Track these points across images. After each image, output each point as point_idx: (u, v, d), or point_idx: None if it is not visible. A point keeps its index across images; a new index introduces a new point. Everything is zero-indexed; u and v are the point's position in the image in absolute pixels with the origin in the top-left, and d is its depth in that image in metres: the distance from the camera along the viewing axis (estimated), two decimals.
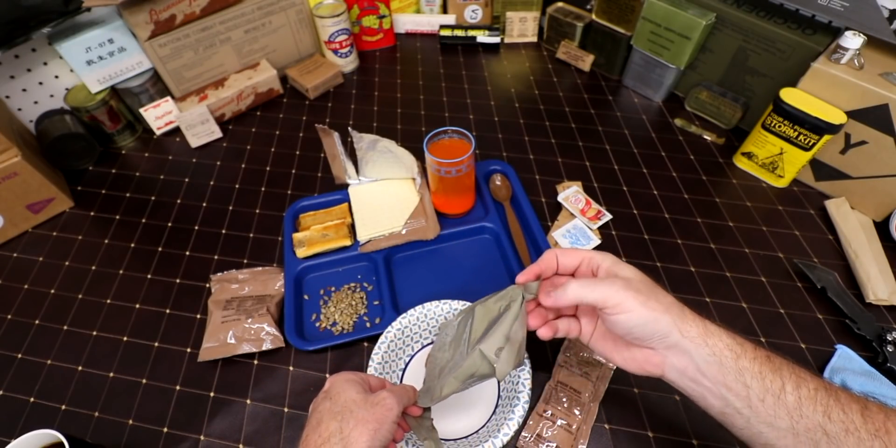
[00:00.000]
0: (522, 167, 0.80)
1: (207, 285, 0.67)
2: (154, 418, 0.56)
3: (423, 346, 0.59)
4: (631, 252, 0.69)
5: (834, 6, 0.65)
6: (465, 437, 0.52)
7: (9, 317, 0.65)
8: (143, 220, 0.75)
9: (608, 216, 0.72)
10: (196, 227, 0.74)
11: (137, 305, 0.66)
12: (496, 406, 0.54)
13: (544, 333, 0.43)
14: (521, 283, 0.43)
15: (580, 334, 0.44)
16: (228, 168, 0.82)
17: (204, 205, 0.77)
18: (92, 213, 0.76)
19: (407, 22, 1.06)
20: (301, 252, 0.66)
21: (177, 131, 0.86)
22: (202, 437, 0.55)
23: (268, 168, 0.81)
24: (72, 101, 0.80)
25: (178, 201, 0.77)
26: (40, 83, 0.79)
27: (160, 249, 0.71)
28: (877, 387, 0.53)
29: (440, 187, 0.68)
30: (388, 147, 0.69)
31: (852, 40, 0.62)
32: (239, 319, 0.60)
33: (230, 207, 0.76)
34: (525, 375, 0.52)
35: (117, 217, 0.76)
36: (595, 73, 0.97)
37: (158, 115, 0.84)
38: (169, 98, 0.83)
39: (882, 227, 0.70)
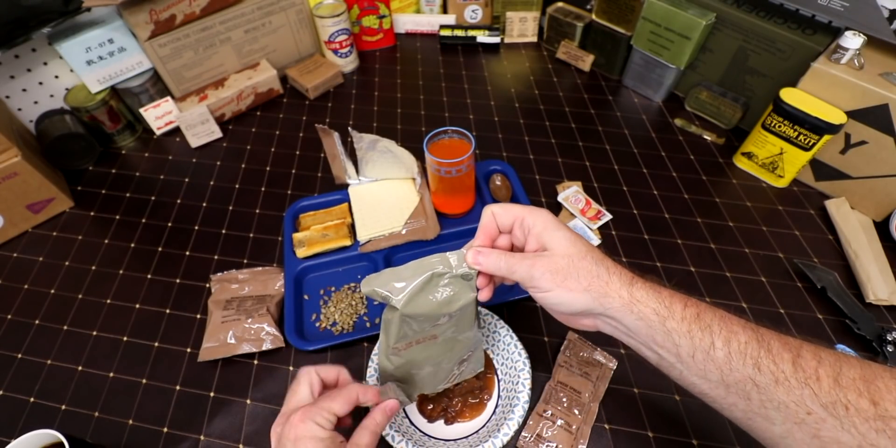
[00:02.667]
0: (522, 167, 0.80)
1: (207, 285, 0.67)
2: (154, 418, 0.56)
3: None
4: (631, 252, 0.69)
5: (834, 6, 0.65)
6: (466, 437, 0.52)
7: (9, 317, 0.65)
8: (143, 220, 0.75)
9: (608, 216, 0.72)
10: (196, 227, 0.74)
11: (137, 305, 0.66)
12: (496, 406, 0.54)
13: (485, 296, 0.43)
14: (472, 264, 0.41)
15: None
16: (228, 168, 0.82)
17: (204, 205, 0.77)
18: (92, 213, 0.76)
19: (407, 22, 1.06)
20: (301, 252, 0.66)
21: (177, 131, 0.86)
22: (202, 437, 0.55)
23: (268, 168, 0.81)
24: (72, 101, 0.80)
25: (178, 201, 0.77)
26: (40, 83, 0.79)
27: (160, 249, 0.71)
28: None
29: (440, 187, 0.68)
30: (388, 147, 0.69)
31: (852, 40, 0.62)
32: (239, 319, 0.60)
33: (230, 207, 0.76)
34: (525, 376, 0.52)
35: (117, 217, 0.76)
36: (595, 73, 0.97)
37: (158, 115, 0.84)
38: (169, 98, 0.83)
39: (882, 227, 0.70)
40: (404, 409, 0.55)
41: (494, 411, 0.54)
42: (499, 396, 0.55)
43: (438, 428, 0.53)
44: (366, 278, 0.41)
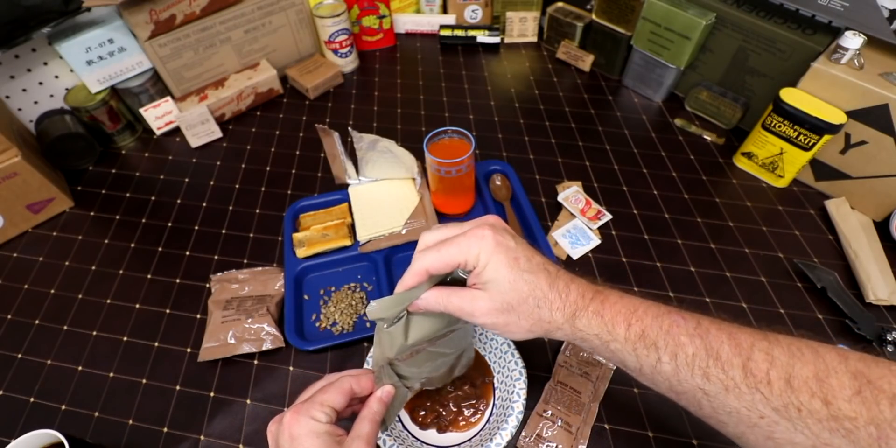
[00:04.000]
0: (522, 167, 0.80)
1: (207, 285, 0.67)
2: (154, 418, 0.56)
3: None
4: (631, 252, 0.69)
5: (834, 6, 0.65)
6: (458, 444, 0.52)
7: (9, 317, 0.65)
8: (143, 220, 0.75)
9: (608, 216, 0.72)
10: (196, 227, 0.74)
11: (137, 305, 0.66)
12: (490, 414, 0.54)
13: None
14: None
15: None
16: (228, 168, 0.82)
17: (204, 205, 0.77)
18: (92, 213, 0.76)
19: (407, 22, 1.06)
20: (301, 252, 0.66)
21: (177, 131, 0.86)
22: (202, 437, 0.55)
23: (268, 168, 0.81)
24: (72, 101, 0.80)
25: (178, 201, 0.77)
26: (40, 83, 0.79)
27: (160, 249, 0.71)
28: None
29: (440, 187, 0.68)
30: (388, 147, 0.69)
31: (852, 40, 0.62)
32: (239, 319, 0.60)
33: (230, 207, 0.76)
34: (521, 385, 0.52)
35: (117, 217, 0.76)
36: (595, 73, 0.97)
37: (158, 115, 0.84)
38: (169, 98, 0.83)
39: (882, 227, 0.70)
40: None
41: (488, 420, 0.53)
42: (493, 405, 0.54)
43: (431, 435, 0.53)
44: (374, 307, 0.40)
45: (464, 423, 0.53)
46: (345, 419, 0.42)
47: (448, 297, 0.38)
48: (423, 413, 0.54)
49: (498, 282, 0.36)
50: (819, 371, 0.31)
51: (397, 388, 0.44)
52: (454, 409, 0.54)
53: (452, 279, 0.40)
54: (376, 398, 0.42)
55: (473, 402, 0.54)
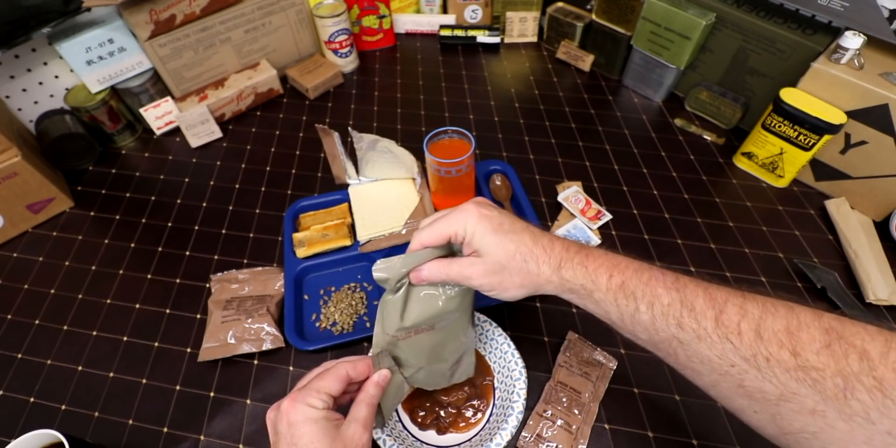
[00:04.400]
0: (522, 167, 0.80)
1: (207, 285, 0.67)
2: (154, 418, 0.56)
3: None
4: (631, 252, 0.68)
5: (834, 6, 0.65)
6: (458, 444, 0.52)
7: (9, 317, 0.65)
8: (143, 220, 0.75)
9: (608, 216, 0.72)
10: (196, 227, 0.74)
11: (137, 305, 0.66)
12: (490, 414, 0.54)
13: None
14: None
15: None
16: (228, 168, 0.82)
17: (204, 205, 0.77)
18: (92, 213, 0.76)
19: (407, 22, 1.06)
20: (301, 252, 0.66)
21: (177, 131, 0.86)
22: (202, 437, 0.55)
23: (268, 168, 0.81)
24: (72, 101, 0.80)
25: (178, 201, 0.77)
26: (40, 83, 0.79)
27: (160, 249, 0.71)
28: None
29: (440, 187, 0.68)
30: (388, 147, 0.69)
31: (852, 40, 0.62)
32: (239, 319, 0.60)
33: (230, 207, 0.76)
34: (521, 385, 0.52)
35: (117, 217, 0.76)
36: (595, 73, 0.97)
37: (158, 115, 0.84)
38: (169, 98, 0.83)
39: (882, 227, 0.70)
40: (397, 413, 0.54)
41: (488, 420, 0.53)
42: (493, 405, 0.54)
43: (431, 435, 0.53)
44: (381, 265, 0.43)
45: (464, 424, 0.53)
46: (344, 405, 0.42)
47: (448, 266, 0.41)
48: (422, 413, 0.54)
49: (487, 245, 0.40)
50: (790, 325, 0.32)
51: (394, 373, 0.45)
52: (453, 411, 0.54)
53: (451, 254, 0.44)
54: (373, 382, 0.43)
55: (474, 403, 0.54)
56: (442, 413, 0.53)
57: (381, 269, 0.42)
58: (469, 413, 0.54)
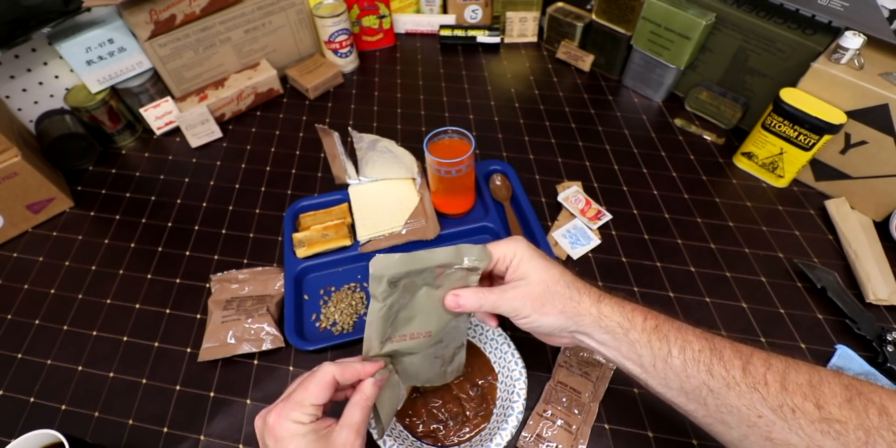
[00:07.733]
0: (522, 167, 0.80)
1: (207, 285, 0.67)
2: (154, 418, 0.56)
3: None
4: (631, 252, 0.69)
5: (834, 6, 0.65)
6: (457, 444, 0.52)
7: (9, 317, 0.65)
8: (143, 220, 0.75)
9: (608, 216, 0.72)
10: (196, 227, 0.74)
11: (137, 305, 0.66)
12: (491, 415, 0.54)
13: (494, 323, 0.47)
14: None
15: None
16: (228, 168, 0.82)
17: (204, 205, 0.77)
18: (92, 213, 0.76)
19: (407, 22, 1.06)
20: (301, 252, 0.66)
21: (177, 131, 0.86)
22: (202, 437, 0.55)
23: (268, 168, 0.81)
24: (72, 101, 0.80)
25: (178, 201, 0.77)
26: (40, 83, 0.79)
27: (160, 249, 0.71)
28: None
29: (440, 187, 0.68)
30: (388, 147, 0.69)
31: (852, 40, 0.62)
32: (239, 319, 0.60)
33: (230, 207, 0.76)
34: (521, 385, 0.52)
35: (117, 217, 0.76)
36: (595, 73, 0.97)
37: (158, 115, 0.84)
38: (169, 98, 0.83)
39: (882, 227, 0.70)
40: (396, 417, 0.54)
41: (489, 420, 0.53)
42: (494, 405, 0.54)
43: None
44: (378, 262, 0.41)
45: (458, 439, 0.52)
46: (339, 402, 0.41)
47: (486, 293, 0.42)
48: (419, 423, 0.53)
49: (535, 267, 0.41)
50: (813, 379, 0.33)
51: (390, 374, 0.44)
52: (453, 426, 0.53)
53: (458, 269, 0.42)
54: (370, 382, 0.41)
55: (470, 416, 0.53)
56: (441, 427, 0.53)
57: (378, 264, 0.40)
58: (466, 429, 0.53)
